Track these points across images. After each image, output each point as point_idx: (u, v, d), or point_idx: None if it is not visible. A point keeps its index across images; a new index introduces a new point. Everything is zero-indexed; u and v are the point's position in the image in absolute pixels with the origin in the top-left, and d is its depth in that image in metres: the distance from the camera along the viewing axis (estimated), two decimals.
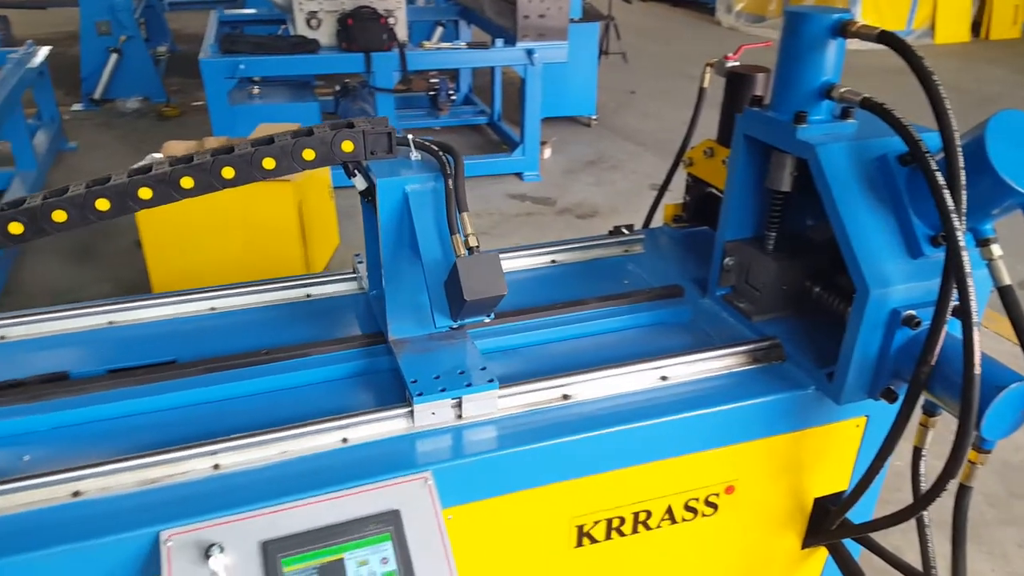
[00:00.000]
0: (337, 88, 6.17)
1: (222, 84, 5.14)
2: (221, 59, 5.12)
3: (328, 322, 1.90)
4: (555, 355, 1.79)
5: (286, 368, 1.69)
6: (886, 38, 1.46)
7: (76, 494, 1.36)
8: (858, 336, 1.52)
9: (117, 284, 4.37)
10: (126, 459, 1.40)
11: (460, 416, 1.55)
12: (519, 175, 6.02)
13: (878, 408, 1.69)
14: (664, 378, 1.67)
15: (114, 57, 7.30)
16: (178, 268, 3.81)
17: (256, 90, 5.55)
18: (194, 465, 1.42)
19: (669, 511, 1.70)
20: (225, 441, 1.44)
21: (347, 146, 1.58)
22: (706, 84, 2.28)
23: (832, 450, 1.80)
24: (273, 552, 1.29)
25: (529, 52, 5.58)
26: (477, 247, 1.54)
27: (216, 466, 1.42)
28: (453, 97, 6.92)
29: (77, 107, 7.39)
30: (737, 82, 2.07)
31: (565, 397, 1.61)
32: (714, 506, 1.74)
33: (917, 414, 1.58)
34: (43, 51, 6.01)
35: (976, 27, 11.63)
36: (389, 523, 1.34)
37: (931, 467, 1.59)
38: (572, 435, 1.53)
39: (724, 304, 1.92)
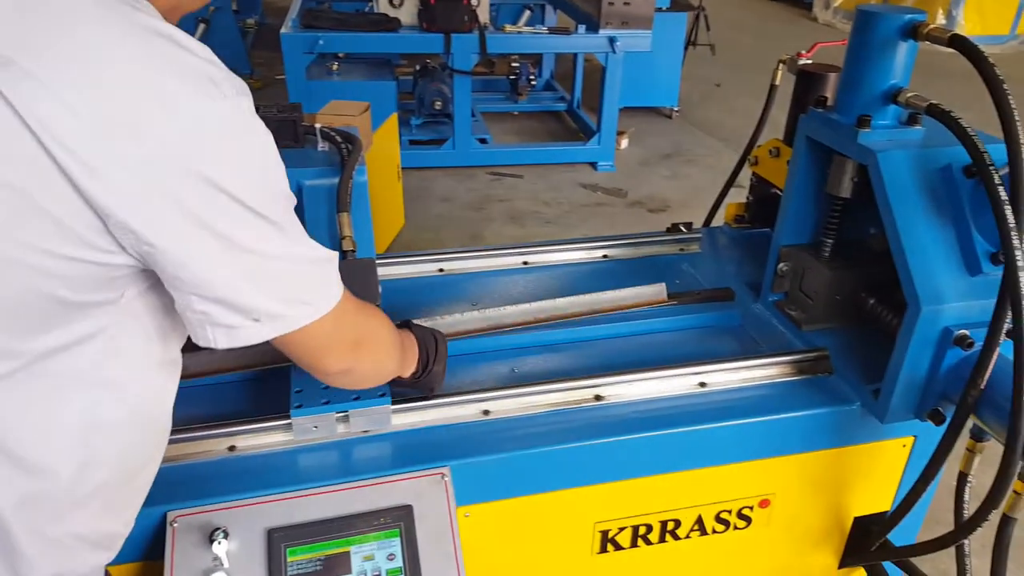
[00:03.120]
0: (417, 68, 6.21)
1: (300, 59, 5.13)
2: (301, 33, 5.14)
3: None
4: (591, 354, 1.77)
5: None
6: (957, 42, 1.37)
7: None
8: (907, 354, 1.44)
9: None
10: None
11: (349, 431, 1.43)
12: (593, 165, 5.95)
13: (927, 429, 1.61)
14: (703, 384, 1.63)
15: (202, 27, 7.17)
16: None
17: (336, 66, 5.51)
18: (211, 446, 1.39)
19: (699, 521, 1.66)
20: (241, 424, 1.40)
21: None
22: (777, 81, 2.19)
23: (876, 469, 1.72)
24: (278, 541, 1.25)
25: (611, 40, 5.50)
26: (352, 251, 1.43)
27: (232, 448, 1.39)
28: (533, 82, 6.87)
29: None
30: (807, 81, 1.98)
31: (597, 398, 1.58)
32: (747, 519, 1.69)
33: (964, 438, 1.50)
34: None
35: None
36: (400, 518, 1.30)
37: (979, 493, 1.51)
38: (601, 438, 1.48)
39: (775, 311, 1.86)
